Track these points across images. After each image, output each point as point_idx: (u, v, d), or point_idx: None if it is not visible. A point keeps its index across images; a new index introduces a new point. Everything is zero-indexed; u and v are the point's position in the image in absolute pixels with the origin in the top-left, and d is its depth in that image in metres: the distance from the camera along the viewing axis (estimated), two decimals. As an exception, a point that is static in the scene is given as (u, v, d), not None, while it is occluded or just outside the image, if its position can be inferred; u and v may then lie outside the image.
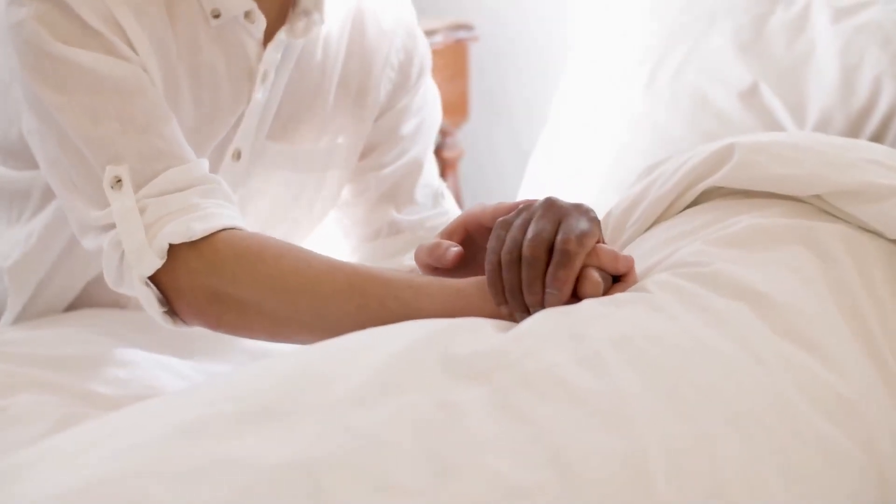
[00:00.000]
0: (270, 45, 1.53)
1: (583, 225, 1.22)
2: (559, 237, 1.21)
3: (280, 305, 1.35)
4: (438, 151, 2.82)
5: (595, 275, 1.21)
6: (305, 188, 1.66)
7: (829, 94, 1.92)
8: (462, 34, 2.75)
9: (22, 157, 1.53)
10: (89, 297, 1.65)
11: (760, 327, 1.18)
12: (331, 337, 1.22)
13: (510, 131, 2.89)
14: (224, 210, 1.41)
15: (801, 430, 1.11)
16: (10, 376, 1.48)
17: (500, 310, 1.25)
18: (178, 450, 0.99)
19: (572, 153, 2.12)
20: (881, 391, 1.19)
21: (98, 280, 1.59)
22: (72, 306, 1.65)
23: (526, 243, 1.22)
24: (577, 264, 1.21)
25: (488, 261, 1.24)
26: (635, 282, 1.25)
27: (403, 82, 1.69)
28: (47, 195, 1.55)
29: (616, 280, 1.25)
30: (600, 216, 1.38)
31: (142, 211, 1.38)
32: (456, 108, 2.76)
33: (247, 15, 1.51)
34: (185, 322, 1.42)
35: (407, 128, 1.70)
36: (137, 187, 1.39)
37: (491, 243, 1.25)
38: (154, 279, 1.39)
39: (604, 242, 1.26)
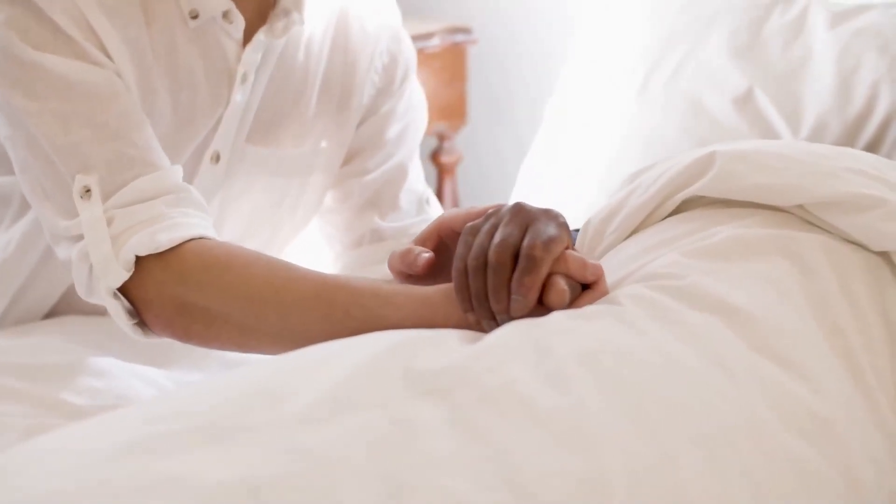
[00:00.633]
0: (249, 46, 1.51)
1: (551, 230, 1.19)
2: (525, 242, 1.18)
3: (247, 315, 1.33)
4: (436, 156, 2.79)
5: (561, 282, 1.19)
6: (287, 193, 1.63)
7: (825, 100, 1.88)
8: (460, 37, 2.72)
9: (3, 162, 1.51)
10: (68, 305, 1.63)
11: (734, 342, 1.14)
12: (298, 348, 1.20)
13: (510, 135, 2.86)
14: (192, 219, 1.39)
15: (772, 450, 1.07)
16: (-18, 386, 1.46)
17: (467, 317, 1.22)
18: (120, 469, 0.96)
19: (565, 159, 2.09)
20: (860, 409, 1.15)
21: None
22: (51, 313, 1.63)
23: (492, 249, 1.19)
24: (543, 270, 1.18)
25: (455, 267, 1.22)
26: (605, 291, 1.22)
27: (388, 86, 1.67)
28: (26, 202, 1.53)
29: (586, 288, 1.22)
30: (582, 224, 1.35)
31: (109, 222, 1.37)
32: (454, 111, 2.74)
33: (225, 15, 1.49)
34: (155, 333, 1.40)
35: (391, 132, 1.67)
36: (106, 197, 1.37)
37: (459, 249, 1.23)
38: (123, 290, 1.37)
39: (573, 249, 1.23)
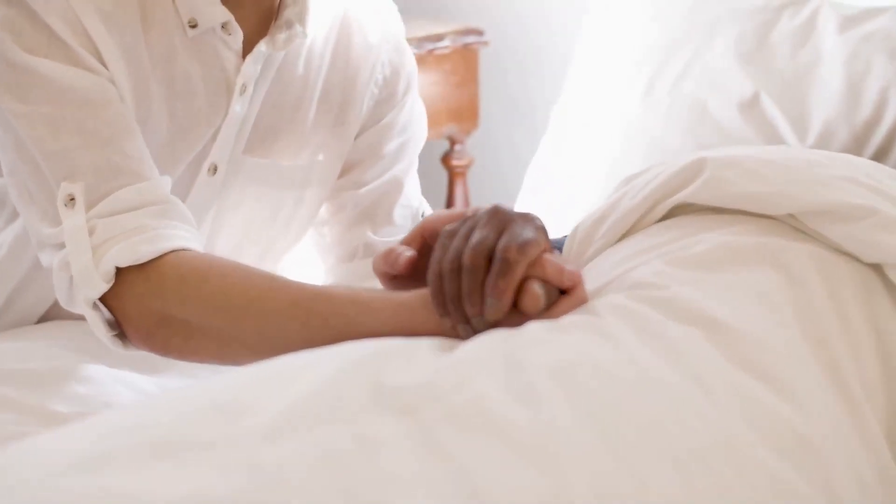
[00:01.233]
0: (249, 58, 1.49)
1: (527, 233, 1.17)
2: (499, 245, 1.16)
3: (225, 326, 1.32)
4: (447, 159, 2.76)
5: (536, 287, 1.16)
6: (283, 205, 1.62)
7: (833, 106, 1.84)
8: (472, 39, 2.68)
9: None
10: (62, 309, 1.60)
11: (714, 357, 1.11)
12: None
13: (522, 139, 2.82)
14: (176, 231, 1.37)
15: (750, 470, 1.04)
16: (-31, 392, 1.45)
17: (443, 322, 1.19)
18: (72, 486, 0.94)
19: (569, 162, 2.06)
20: (845, 426, 1.11)
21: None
22: (44, 318, 1.62)
23: (466, 251, 1.17)
24: (518, 273, 1.15)
25: (431, 271, 1.20)
26: (584, 297, 1.19)
27: (388, 98, 1.64)
28: None
29: (564, 294, 1.19)
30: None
31: (91, 231, 1.35)
32: (466, 114, 2.70)
33: (224, 26, 1.47)
34: (134, 346, 1.39)
35: (390, 146, 1.65)
36: (90, 206, 1.36)
37: (435, 253, 1.20)
38: (103, 301, 1.36)
39: (552, 253, 1.20)
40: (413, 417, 1.01)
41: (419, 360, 1.10)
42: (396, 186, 1.64)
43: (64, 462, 0.96)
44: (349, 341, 1.16)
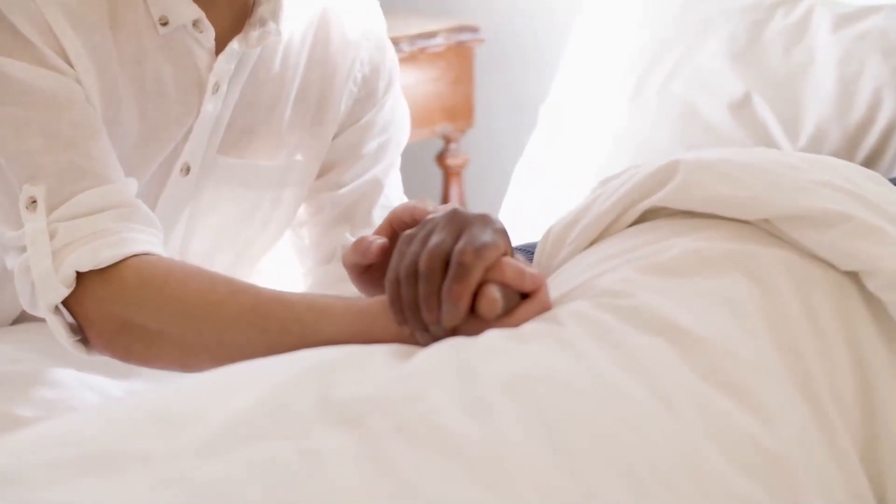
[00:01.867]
0: (222, 56, 1.47)
1: (485, 236, 1.13)
2: (456, 248, 1.12)
3: (185, 332, 1.30)
4: (442, 158, 2.72)
5: (493, 291, 1.12)
6: (259, 206, 1.59)
7: (826, 106, 1.80)
8: (466, 36, 2.64)
9: None
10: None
11: (679, 368, 1.07)
12: None
13: (518, 138, 2.77)
14: (138, 235, 1.35)
15: (711, 486, 1.00)
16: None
17: (402, 330, 1.16)
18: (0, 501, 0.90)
19: (557, 164, 2.02)
20: (815, 442, 1.07)
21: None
22: (19, 319, 1.60)
23: (422, 256, 1.13)
24: (474, 277, 1.12)
25: (388, 277, 1.17)
26: (546, 302, 1.15)
27: (368, 97, 1.61)
28: None
29: (526, 298, 1.16)
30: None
31: (52, 235, 1.34)
32: (460, 113, 2.67)
33: (195, 24, 1.45)
34: (97, 351, 1.37)
35: (369, 146, 1.62)
36: (52, 209, 1.34)
37: (392, 259, 1.17)
38: (66, 306, 1.34)
39: (512, 256, 1.16)
40: (361, 430, 0.98)
41: (371, 369, 1.06)
42: (376, 187, 1.61)
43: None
44: (304, 349, 1.12)
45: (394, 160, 1.65)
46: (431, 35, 2.56)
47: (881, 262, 1.14)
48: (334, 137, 1.60)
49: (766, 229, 1.21)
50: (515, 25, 2.80)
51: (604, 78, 1.98)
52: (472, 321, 1.13)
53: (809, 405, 1.08)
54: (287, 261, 1.67)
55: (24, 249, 1.35)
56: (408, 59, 2.53)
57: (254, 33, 1.47)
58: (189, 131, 1.48)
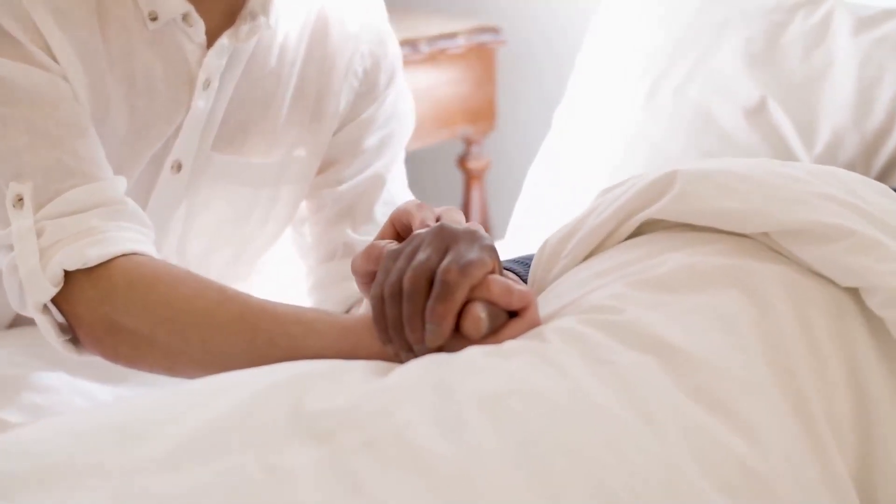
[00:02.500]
0: (212, 51, 1.45)
1: (472, 253, 1.10)
2: (441, 266, 1.09)
3: (171, 338, 1.27)
4: (463, 161, 2.69)
5: (477, 310, 1.09)
6: (256, 204, 1.57)
7: (843, 113, 1.75)
8: (487, 37, 2.60)
9: None
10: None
11: (665, 385, 1.04)
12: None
13: (541, 141, 2.73)
14: (126, 234, 1.33)
15: (691, 507, 0.96)
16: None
17: (387, 348, 1.13)
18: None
19: (569, 168, 1.98)
20: (806, 464, 1.03)
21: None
22: (15, 322, 1.59)
23: (406, 274, 1.10)
24: (459, 297, 1.09)
25: (372, 294, 1.14)
26: (535, 320, 1.12)
27: (368, 91, 1.58)
28: None
29: (515, 316, 1.13)
30: None
31: (39, 233, 1.32)
32: (482, 115, 2.63)
33: (184, 18, 1.43)
34: (87, 351, 1.35)
35: (370, 141, 1.59)
36: (38, 207, 1.33)
37: (378, 275, 1.14)
38: (56, 305, 1.33)
39: (500, 274, 1.12)
40: (330, 445, 0.96)
41: (346, 384, 1.04)
42: (377, 183, 1.59)
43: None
44: (273, 365, 1.10)
45: (396, 155, 1.62)
46: (451, 36, 2.53)
47: (882, 279, 1.10)
48: (335, 133, 1.57)
49: (765, 243, 1.18)
50: (539, 26, 2.76)
51: (618, 80, 1.94)
52: (458, 341, 1.10)
53: (802, 426, 1.05)
54: (288, 260, 1.65)
55: (11, 248, 1.33)
56: (427, 60, 2.50)
57: (244, 28, 1.45)
58: (179, 128, 1.46)
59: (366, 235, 1.56)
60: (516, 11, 2.78)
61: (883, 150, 1.73)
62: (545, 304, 1.19)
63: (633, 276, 1.15)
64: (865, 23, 1.81)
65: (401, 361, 1.11)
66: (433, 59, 2.51)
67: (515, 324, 1.12)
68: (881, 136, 1.73)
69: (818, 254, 1.13)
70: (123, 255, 1.31)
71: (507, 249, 1.76)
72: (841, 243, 1.12)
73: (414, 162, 2.93)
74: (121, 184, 1.37)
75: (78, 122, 1.36)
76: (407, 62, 2.44)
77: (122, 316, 1.29)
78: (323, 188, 1.58)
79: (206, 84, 1.45)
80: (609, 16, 2.02)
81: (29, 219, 1.32)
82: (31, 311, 1.33)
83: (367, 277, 1.22)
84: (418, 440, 0.95)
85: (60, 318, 1.33)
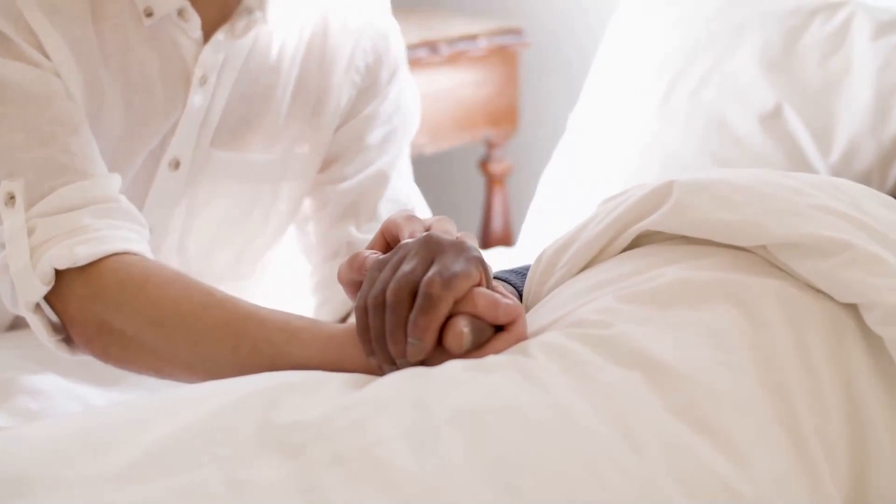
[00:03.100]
0: (208, 46, 1.44)
1: (457, 266, 1.07)
2: (424, 278, 1.06)
3: (158, 340, 1.26)
4: (485, 165, 2.65)
5: (460, 324, 1.06)
6: (257, 201, 1.56)
7: (860, 119, 1.71)
8: (509, 39, 2.57)
9: None
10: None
11: (650, 403, 1.01)
12: (211, 379, 1.13)
13: (564, 144, 2.71)
14: (118, 232, 1.32)
15: (671, 532, 0.93)
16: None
17: (370, 361, 1.11)
18: None
19: (582, 174, 1.95)
20: (795, 486, 1.00)
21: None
22: (14, 325, 1.59)
23: (390, 285, 1.07)
24: (441, 310, 1.06)
25: (356, 305, 1.11)
26: (521, 334, 1.10)
27: (370, 87, 1.57)
28: None
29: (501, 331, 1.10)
30: None
31: (30, 231, 1.31)
32: (504, 118, 2.60)
33: (180, 13, 1.43)
34: (80, 350, 1.33)
35: (373, 137, 1.57)
36: (30, 204, 1.32)
37: (363, 286, 1.12)
38: (49, 304, 1.31)
39: (489, 286, 1.10)
40: (297, 460, 0.94)
41: (321, 396, 1.02)
42: (381, 180, 1.57)
43: None
44: (249, 376, 1.08)
45: (400, 151, 1.60)
46: (472, 38, 2.50)
47: (879, 295, 1.07)
48: (337, 129, 1.56)
49: (764, 257, 1.14)
50: (563, 28, 2.73)
51: (633, 83, 1.91)
52: (441, 355, 1.07)
53: (792, 447, 1.02)
54: (292, 259, 1.64)
55: (3, 247, 1.32)
56: (447, 62, 2.47)
57: (240, 23, 1.44)
58: (176, 124, 1.45)
59: (369, 234, 1.54)
60: (541, 12, 2.74)
61: (900, 159, 1.69)
62: (537, 317, 1.16)
63: (625, 289, 1.12)
64: (885, 28, 1.77)
65: (384, 374, 1.09)
66: (454, 60, 2.48)
67: (501, 338, 1.09)
68: (898, 143, 1.69)
69: (815, 268, 1.10)
70: (114, 255, 1.29)
71: (518, 256, 1.73)
72: (838, 257, 1.09)
73: (434, 164, 2.90)
74: (115, 181, 1.36)
75: (70, 118, 1.35)
76: (427, 63, 2.42)
77: (111, 316, 1.27)
78: (326, 185, 1.57)
79: (203, 80, 1.44)
80: (626, 17, 1.99)
81: (20, 217, 1.30)
82: (23, 311, 1.32)
83: (353, 286, 1.19)
84: (388, 456, 0.93)
85: (55, 318, 1.32)
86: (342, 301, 1.53)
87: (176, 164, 1.47)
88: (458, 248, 1.09)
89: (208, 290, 1.26)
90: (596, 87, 1.99)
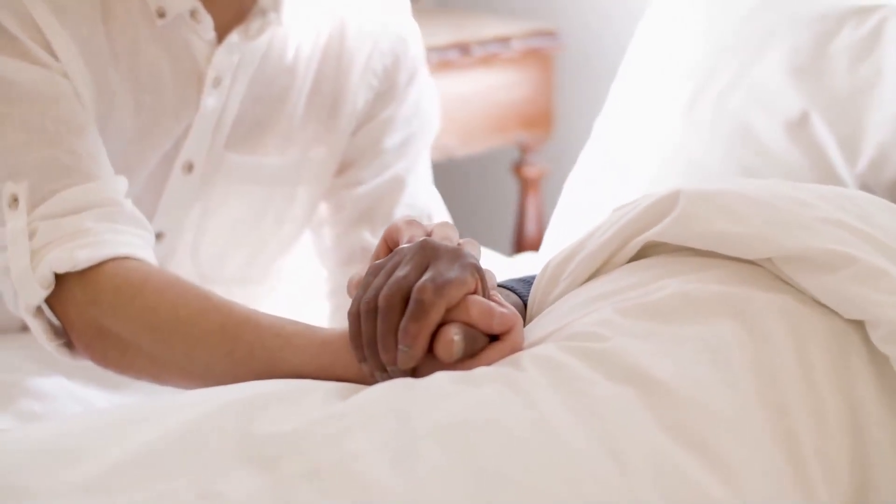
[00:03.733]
0: (221, 48, 1.43)
1: (451, 272, 1.05)
2: (416, 284, 1.04)
3: (155, 345, 1.25)
4: (519, 169, 2.63)
5: (451, 332, 1.04)
6: (272, 204, 1.55)
7: (889, 127, 1.66)
8: (543, 41, 2.54)
9: None
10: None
11: (642, 420, 0.98)
12: (207, 385, 1.14)
13: (599, 149, 2.67)
14: (119, 237, 1.31)
15: (656, 554, 0.90)
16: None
17: (363, 368, 1.09)
18: None
19: (605, 181, 1.91)
20: (790, 508, 0.96)
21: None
22: (26, 327, 1.55)
23: (382, 291, 1.05)
24: (432, 317, 1.03)
25: (349, 311, 1.09)
26: (517, 344, 1.07)
27: (388, 90, 1.55)
28: None
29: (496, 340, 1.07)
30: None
31: (32, 234, 1.30)
32: (539, 121, 2.57)
33: (192, 14, 1.41)
34: (80, 354, 1.33)
35: (390, 141, 1.55)
36: (33, 207, 1.31)
37: (358, 291, 1.10)
38: (50, 307, 1.30)
39: (485, 294, 1.07)
40: (273, 473, 0.92)
41: (303, 407, 1.00)
42: (398, 185, 1.55)
43: None
44: (232, 385, 1.07)
45: (419, 156, 1.58)
46: (505, 40, 2.47)
47: (884, 311, 1.03)
48: (354, 133, 1.54)
49: (770, 270, 1.11)
50: (600, 30, 2.69)
51: (659, 89, 1.87)
52: (433, 363, 1.05)
53: (789, 467, 0.98)
54: (306, 264, 1.62)
55: (5, 249, 1.32)
56: (480, 64, 2.44)
57: (254, 24, 1.43)
58: (189, 127, 1.44)
59: None
60: (577, 13, 2.71)
61: (930, 168, 1.65)
62: (538, 328, 1.13)
63: (625, 301, 1.09)
64: (920, 32, 1.73)
65: (375, 381, 1.07)
66: (486, 62, 2.46)
67: (496, 348, 1.06)
68: (929, 153, 1.65)
69: (820, 283, 1.07)
70: (114, 259, 1.28)
71: (540, 264, 1.70)
72: (843, 272, 1.05)
73: (467, 168, 2.88)
74: (121, 184, 1.35)
75: (77, 119, 1.34)
76: (459, 65, 2.40)
77: (108, 321, 1.26)
78: (342, 190, 1.56)
79: (217, 82, 1.43)
80: (654, 21, 1.96)
81: (22, 219, 1.30)
82: (23, 314, 1.31)
83: None
84: (364, 470, 0.91)
85: (56, 321, 1.31)
86: None
87: (189, 167, 1.46)
88: (454, 254, 1.07)
89: (205, 294, 1.25)
90: (621, 92, 1.95)
